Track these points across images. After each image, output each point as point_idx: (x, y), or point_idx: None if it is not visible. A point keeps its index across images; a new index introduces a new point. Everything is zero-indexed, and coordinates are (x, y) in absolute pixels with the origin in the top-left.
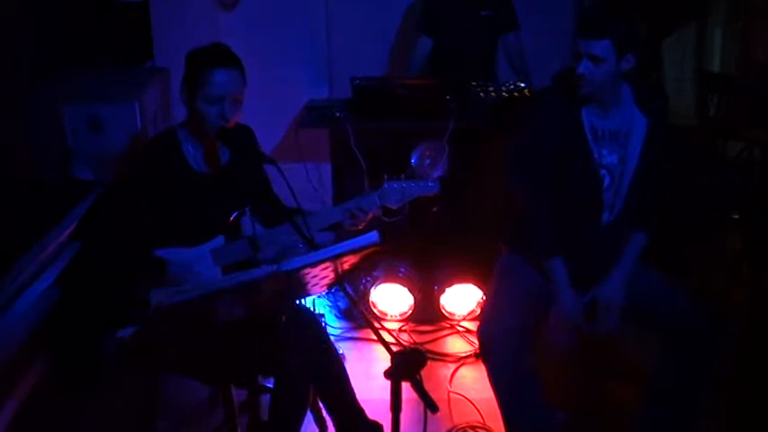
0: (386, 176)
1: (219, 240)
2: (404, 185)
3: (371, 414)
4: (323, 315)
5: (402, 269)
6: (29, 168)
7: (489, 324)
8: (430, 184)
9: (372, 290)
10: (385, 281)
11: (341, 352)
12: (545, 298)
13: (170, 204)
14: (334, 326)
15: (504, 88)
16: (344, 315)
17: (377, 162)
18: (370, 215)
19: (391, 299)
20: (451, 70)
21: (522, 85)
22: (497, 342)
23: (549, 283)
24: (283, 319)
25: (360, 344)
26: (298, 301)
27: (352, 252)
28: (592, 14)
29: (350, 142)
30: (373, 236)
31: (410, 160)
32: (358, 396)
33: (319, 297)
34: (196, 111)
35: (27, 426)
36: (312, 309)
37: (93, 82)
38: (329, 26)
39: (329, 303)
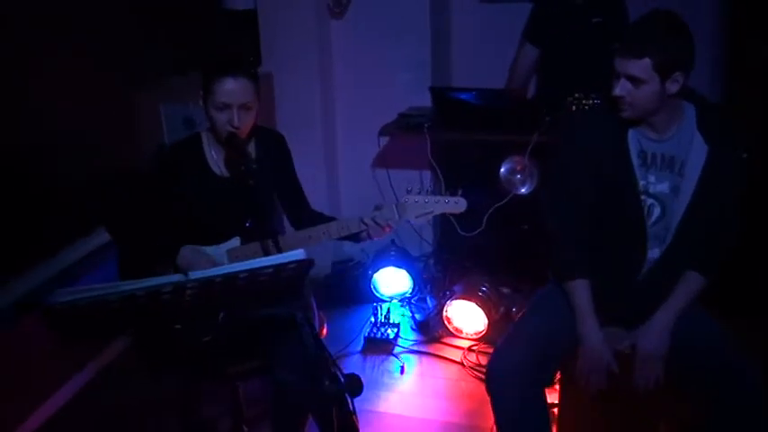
0: (407, 190)
1: (235, 242)
2: (426, 200)
3: None
4: (397, 325)
5: (484, 288)
6: (130, 159)
7: (499, 354)
8: (456, 202)
9: (448, 305)
10: (462, 297)
11: (401, 364)
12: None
13: (190, 204)
14: (406, 337)
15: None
16: (420, 327)
17: (459, 173)
18: (387, 229)
19: (466, 316)
20: (560, 80)
21: (597, 101)
22: (503, 374)
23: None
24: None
25: (427, 359)
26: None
27: (273, 268)
28: (631, 31)
29: (427, 151)
30: (299, 254)
31: (498, 172)
32: (409, 412)
33: (401, 306)
34: (209, 117)
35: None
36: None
37: (190, 83)
38: (447, 34)
39: (407, 314)
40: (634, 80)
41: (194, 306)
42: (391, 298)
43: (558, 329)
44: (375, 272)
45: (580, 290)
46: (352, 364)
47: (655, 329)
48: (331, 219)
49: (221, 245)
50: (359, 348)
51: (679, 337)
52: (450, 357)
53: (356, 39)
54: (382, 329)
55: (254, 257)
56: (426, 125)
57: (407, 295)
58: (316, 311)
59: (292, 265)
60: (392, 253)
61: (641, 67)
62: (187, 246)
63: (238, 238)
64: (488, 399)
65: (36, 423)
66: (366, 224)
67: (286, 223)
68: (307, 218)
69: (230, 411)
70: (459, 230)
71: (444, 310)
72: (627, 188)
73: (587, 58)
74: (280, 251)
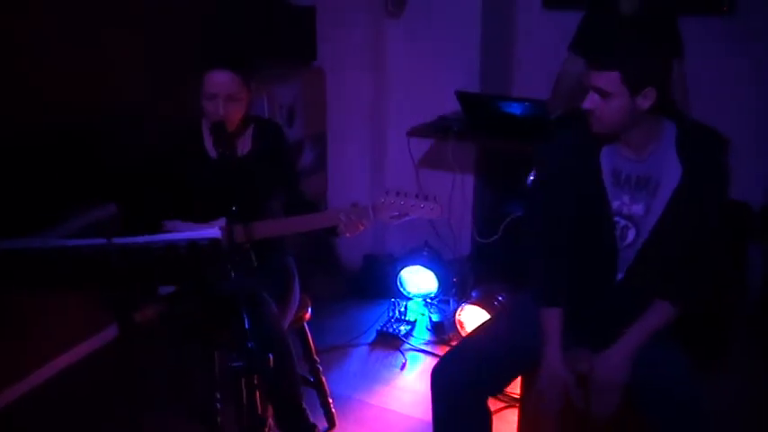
0: (386, 191)
1: (221, 222)
2: (402, 202)
3: None
4: (412, 323)
5: (500, 297)
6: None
7: (448, 357)
8: (432, 208)
9: (461, 309)
10: (475, 303)
11: (403, 360)
12: (536, 352)
13: (184, 182)
14: (419, 336)
15: None
16: (434, 328)
17: (488, 178)
18: (360, 227)
19: (477, 322)
20: None
21: None
22: (445, 378)
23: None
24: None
25: (432, 359)
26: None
27: (188, 242)
28: (600, 41)
29: (449, 155)
30: (214, 232)
31: (526, 180)
32: (395, 407)
33: (424, 305)
34: (201, 106)
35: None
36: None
37: None
38: (509, 40)
39: (426, 313)
40: (602, 93)
41: (119, 271)
42: (415, 296)
43: (521, 342)
44: (403, 268)
45: (552, 317)
46: (359, 354)
47: (614, 358)
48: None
49: (210, 222)
50: (370, 340)
51: (643, 367)
52: None
53: (410, 39)
54: (396, 325)
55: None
56: (455, 129)
57: (431, 296)
58: (297, 294)
59: (204, 242)
60: (424, 253)
61: (609, 79)
62: (171, 221)
63: (224, 219)
64: None
65: (51, 372)
66: (341, 220)
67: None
68: (299, 206)
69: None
70: (476, 236)
71: (458, 313)
72: (598, 208)
73: None
74: (252, 238)
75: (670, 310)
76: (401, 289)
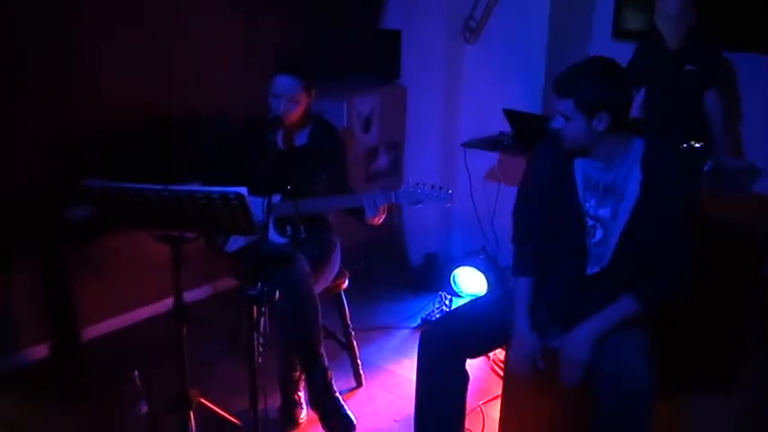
0: (408, 180)
1: (277, 197)
2: (419, 191)
3: None
4: None
5: None
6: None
7: (434, 324)
8: (443, 195)
9: None
10: None
11: None
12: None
13: (254, 164)
14: None
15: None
16: None
17: None
18: (382, 209)
19: None
20: (655, 124)
21: (697, 145)
22: (430, 342)
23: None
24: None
25: None
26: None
27: (220, 194)
28: (561, 73)
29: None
30: (241, 189)
31: None
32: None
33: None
34: (269, 103)
35: None
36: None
37: (331, 85)
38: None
39: None
40: (565, 116)
41: (163, 213)
42: (464, 295)
43: (500, 315)
44: (457, 268)
45: (522, 286)
46: (400, 335)
47: (576, 338)
48: None
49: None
50: (414, 325)
51: (603, 349)
52: None
53: (483, 63)
54: (438, 315)
55: (284, 211)
56: (505, 143)
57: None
58: (336, 265)
59: (232, 195)
60: (480, 257)
61: (566, 105)
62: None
63: (280, 195)
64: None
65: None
66: (365, 201)
67: None
68: (341, 191)
69: None
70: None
71: None
72: (571, 208)
73: (681, 104)
74: (298, 211)
75: (633, 304)
76: (453, 286)
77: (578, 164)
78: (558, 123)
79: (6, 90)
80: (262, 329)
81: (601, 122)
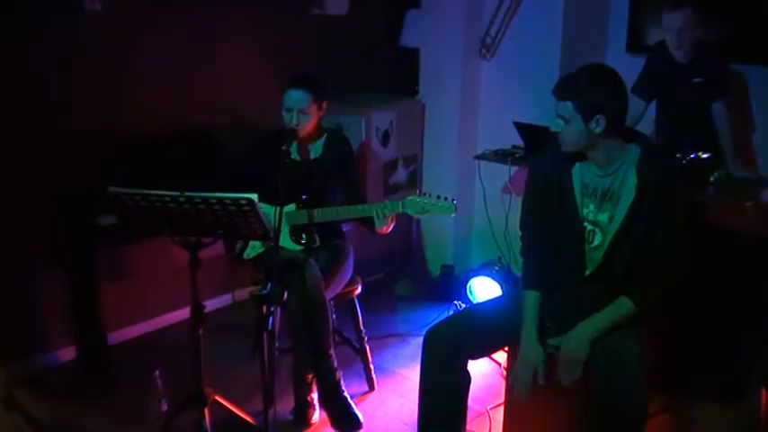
0: (418, 191)
1: (292, 207)
2: (425, 201)
3: None
4: None
5: None
6: None
7: (440, 324)
8: (448, 205)
9: None
10: None
11: None
12: (517, 333)
13: (271, 173)
14: None
15: (684, 156)
16: None
17: None
18: (390, 218)
19: None
20: (665, 135)
21: (705, 156)
22: (434, 341)
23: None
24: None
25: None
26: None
27: (232, 199)
28: (561, 78)
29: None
30: (252, 195)
31: None
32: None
33: None
34: (282, 116)
35: None
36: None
37: (352, 100)
38: None
39: None
40: (564, 119)
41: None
42: None
43: (505, 321)
44: (473, 278)
45: (530, 300)
46: (415, 342)
47: (573, 338)
48: None
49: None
50: None
51: (602, 353)
52: (494, 357)
53: (499, 78)
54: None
55: (299, 220)
56: (517, 155)
57: None
58: (348, 272)
59: (244, 201)
60: (495, 268)
61: (565, 107)
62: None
63: (294, 204)
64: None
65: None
66: (374, 212)
67: None
68: (354, 201)
69: None
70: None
71: None
72: (570, 213)
73: (689, 116)
74: (312, 220)
75: (629, 306)
76: (469, 295)
77: (576, 171)
78: (557, 126)
79: (43, 100)
80: (271, 329)
81: (598, 125)
